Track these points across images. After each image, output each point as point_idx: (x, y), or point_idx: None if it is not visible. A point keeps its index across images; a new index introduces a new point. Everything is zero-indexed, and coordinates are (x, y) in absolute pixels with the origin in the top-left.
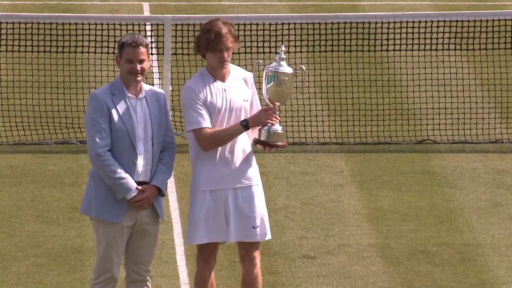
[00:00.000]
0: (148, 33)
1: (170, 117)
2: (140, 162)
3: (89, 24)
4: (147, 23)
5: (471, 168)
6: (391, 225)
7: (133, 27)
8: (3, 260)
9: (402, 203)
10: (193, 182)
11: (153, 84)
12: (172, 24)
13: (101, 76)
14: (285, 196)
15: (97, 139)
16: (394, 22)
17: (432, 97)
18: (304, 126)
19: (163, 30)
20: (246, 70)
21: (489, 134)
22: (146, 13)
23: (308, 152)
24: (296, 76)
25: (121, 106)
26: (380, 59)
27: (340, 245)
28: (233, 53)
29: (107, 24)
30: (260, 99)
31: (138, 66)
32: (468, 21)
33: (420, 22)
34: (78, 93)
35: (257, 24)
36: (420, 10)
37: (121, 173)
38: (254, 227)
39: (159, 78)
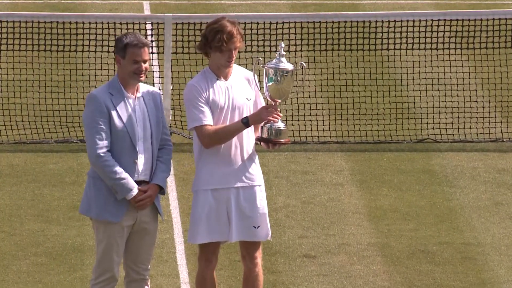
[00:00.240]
0: (149, 32)
1: (171, 116)
2: (140, 161)
3: (89, 23)
4: (147, 22)
5: (471, 167)
6: (391, 224)
7: (133, 26)
8: (4, 259)
9: (403, 202)
10: (195, 180)
11: (153, 83)
12: (173, 23)
13: (101, 75)
14: (286, 195)
15: (97, 140)
16: (395, 21)
17: (433, 96)
18: (305, 125)
19: (163, 29)
20: (246, 69)
21: (489, 133)
22: (147, 12)
23: (309, 151)
24: (296, 73)
25: (121, 106)
26: (381, 58)
27: (340, 244)
28: None
29: (108, 23)
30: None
31: (143, 66)
32: (469, 20)
33: (420, 21)
34: (79, 92)
35: (258, 23)
36: (420, 9)
37: (122, 173)
38: (255, 227)
39: (159, 77)
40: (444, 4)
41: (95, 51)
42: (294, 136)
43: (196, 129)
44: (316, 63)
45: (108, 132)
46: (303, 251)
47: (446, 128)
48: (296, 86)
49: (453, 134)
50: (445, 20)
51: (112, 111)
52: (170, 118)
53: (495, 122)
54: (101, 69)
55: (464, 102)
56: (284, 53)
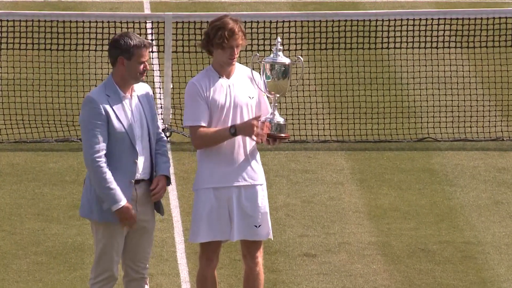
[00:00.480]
0: (149, 31)
1: (171, 115)
2: (140, 160)
3: (89, 22)
4: (147, 21)
5: (471, 166)
6: (391, 223)
7: (133, 25)
8: (4, 258)
9: (403, 201)
10: (197, 179)
11: (153, 82)
12: (173, 21)
13: (101, 74)
14: (286, 194)
15: (94, 144)
16: (395, 20)
17: (433, 95)
18: (305, 124)
19: (163, 27)
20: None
21: (489, 132)
22: (147, 10)
23: (309, 150)
24: (296, 65)
25: (118, 108)
26: (381, 57)
27: (340, 243)
28: None
29: (108, 22)
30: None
31: (147, 66)
32: (469, 18)
33: (420, 19)
34: (79, 91)
35: (258, 22)
36: (420, 7)
37: (112, 183)
38: (256, 226)
39: (159, 76)
40: (444, 3)
41: (95, 50)
42: (294, 135)
43: (190, 128)
44: (316, 61)
45: (105, 135)
46: (303, 250)
47: (446, 127)
48: (296, 79)
49: (453, 133)
50: (445, 19)
51: (110, 114)
52: (171, 117)
53: (495, 121)
54: (101, 68)
55: (465, 101)
56: (281, 47)
